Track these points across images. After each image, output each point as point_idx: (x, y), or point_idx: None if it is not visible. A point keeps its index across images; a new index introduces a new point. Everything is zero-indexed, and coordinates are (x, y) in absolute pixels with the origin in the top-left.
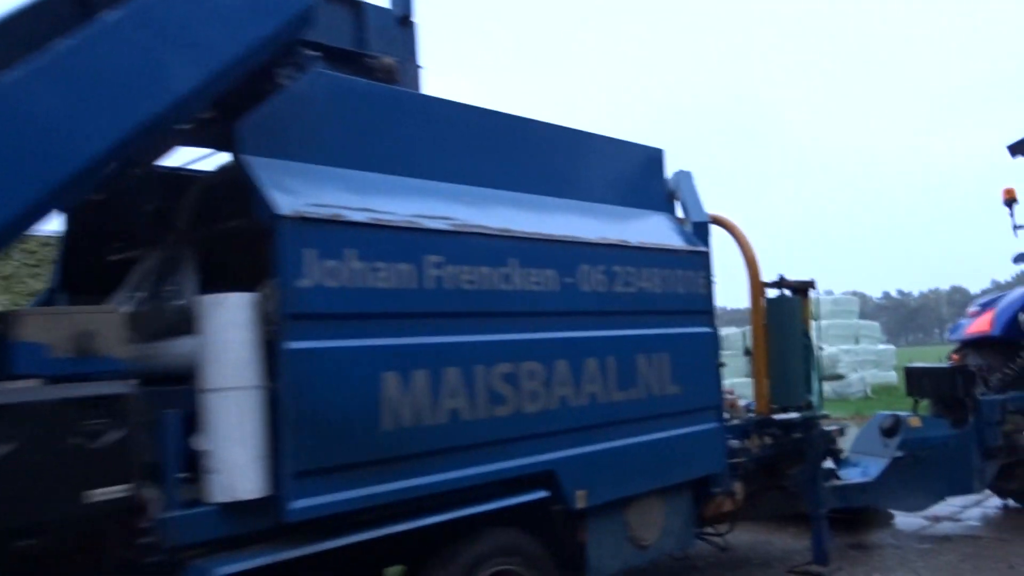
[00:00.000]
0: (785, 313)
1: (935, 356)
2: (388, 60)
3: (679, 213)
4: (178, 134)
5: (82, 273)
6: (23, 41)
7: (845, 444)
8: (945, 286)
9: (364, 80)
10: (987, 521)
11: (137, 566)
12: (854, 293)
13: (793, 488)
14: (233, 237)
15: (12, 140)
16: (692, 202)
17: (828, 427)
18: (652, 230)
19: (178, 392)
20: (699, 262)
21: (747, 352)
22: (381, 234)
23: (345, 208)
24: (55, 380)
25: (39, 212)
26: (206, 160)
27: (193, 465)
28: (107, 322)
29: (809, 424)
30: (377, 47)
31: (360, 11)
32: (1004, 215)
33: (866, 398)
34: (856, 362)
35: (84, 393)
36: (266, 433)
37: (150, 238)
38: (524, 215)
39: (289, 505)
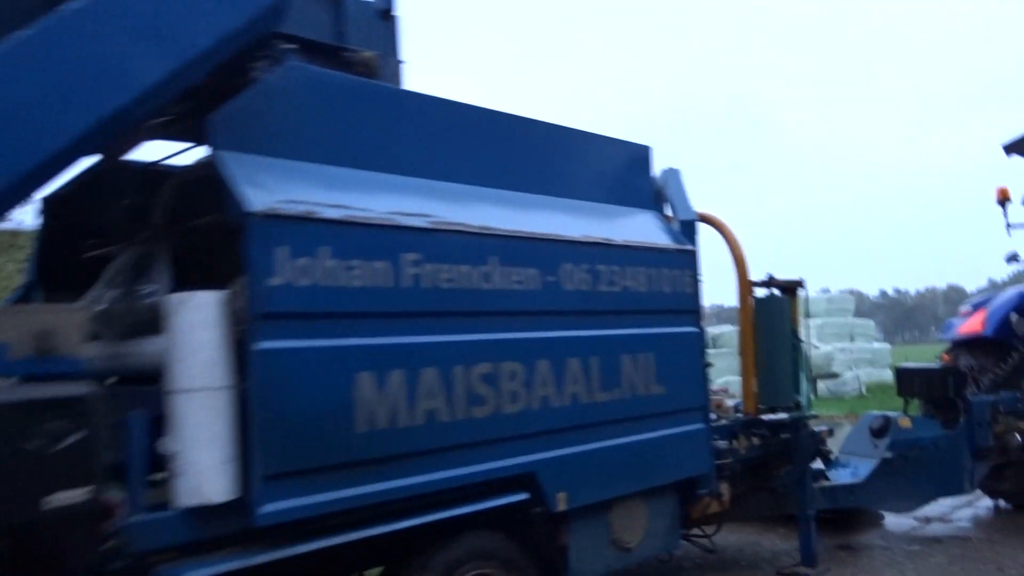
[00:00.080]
0: (773, 313)
1: (931, 354)
2: (367, 54)
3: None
4: (152, 128)
5: (58, 269)
6: None
7: (835, 444)
8: (942, 284)
9: (341, 74)
10: (978, 522)
11: (101, 572)
12: (851, 291)
13: (781, 489)
14: (208, 234)
15: None
16: (679, 200)
17: (817, 428)
18: (638, 228)
19: (145, 392)
20: (686, 261)
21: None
22: (356, 231)
23: (319, 204)
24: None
25: None
26: (184, 154)
27: (162, 468)
28: (68, 321)
29: (798, 425)
30: (356, 40)
31: (339, 4)
32: (999, 214)
33: (861, 396)
34: (851, 360)
35: (42, 395)
36: (235, 435)
37: (126, 234)
38: (506, 212)
39: (259, 509)
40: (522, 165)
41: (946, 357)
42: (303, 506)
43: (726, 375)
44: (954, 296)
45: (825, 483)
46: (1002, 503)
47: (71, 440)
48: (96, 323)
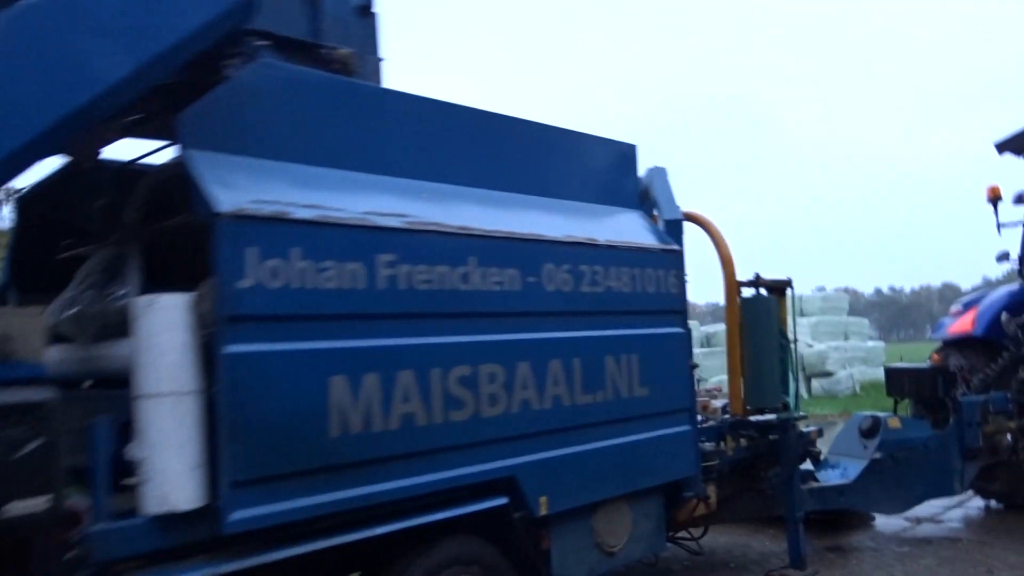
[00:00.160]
0: (760, 312)
1: (925, 353)
2: (344, 51)
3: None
4: (123, 126)
5: (32, 269)
6: None
7: (825, 445)
8: (936, 283)
9: (315, 71)
10: (968, 523)
11: None
12: (846, 289)
13: (770, 491)
14: (181, 235)
15: None
16: (665, 199)
17: (806, 428)
18: (622, 228)
19: (111, 397)
20: (671, 260)
21: None
22: (329, 232)
23: (291, 204)
24: None
25: None
26: (159, 153)
27: (129, 474)
28: (28, 325)
29: (786, 425)
30: (334, 37)
31: (316, 0)
32: (990, 213)
33: (855, 395)
34: (845, 359)
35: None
36: (203, 441)
37: (101, 234)
38: (486, 212)
39: (228, 516)
40: (504, 164)
41: (936, 357)
42: (274, 513)
43: (720, 374)
44: (949, 294)
45: (814, 484)
46: (993, 503)
47: (30, 447)
48: (68, 326)
